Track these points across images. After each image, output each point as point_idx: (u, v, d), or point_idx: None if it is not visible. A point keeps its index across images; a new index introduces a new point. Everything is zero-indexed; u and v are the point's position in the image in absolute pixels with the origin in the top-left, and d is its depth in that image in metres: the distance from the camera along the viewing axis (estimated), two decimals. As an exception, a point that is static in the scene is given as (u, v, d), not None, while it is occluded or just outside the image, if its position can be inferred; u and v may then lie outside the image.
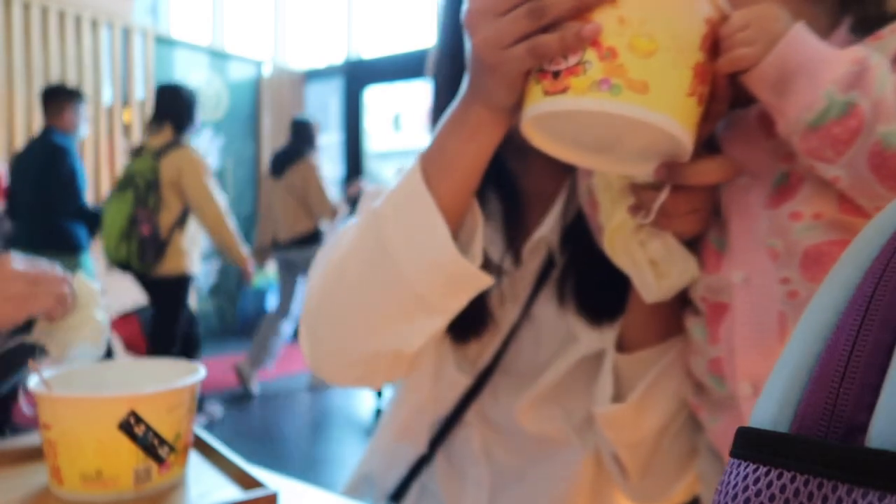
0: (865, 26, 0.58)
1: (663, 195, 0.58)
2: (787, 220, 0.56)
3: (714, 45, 0.52)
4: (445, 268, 0.63)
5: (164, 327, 3.42)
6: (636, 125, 0.51)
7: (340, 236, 0.73)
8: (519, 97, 0.57)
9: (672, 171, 0.57)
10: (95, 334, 0.83)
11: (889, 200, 0.49)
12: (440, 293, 0.64)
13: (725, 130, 0.61)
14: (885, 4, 0.61)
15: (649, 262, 0.63)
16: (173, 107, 3.35)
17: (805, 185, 0.55)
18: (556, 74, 0.52)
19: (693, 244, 0.64)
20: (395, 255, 0.64)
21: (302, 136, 4.19)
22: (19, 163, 3.48)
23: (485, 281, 0.65)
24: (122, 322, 4.11)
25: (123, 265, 3.30)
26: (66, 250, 3.37)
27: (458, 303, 0.67)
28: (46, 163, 3.35)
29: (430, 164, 0.64)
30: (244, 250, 3.52)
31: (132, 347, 3.92)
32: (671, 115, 0.50)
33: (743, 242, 0.60)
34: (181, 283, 3.37)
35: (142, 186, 3.21)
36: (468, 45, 0.58)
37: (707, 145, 0.60)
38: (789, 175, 0.57)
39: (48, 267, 0.83)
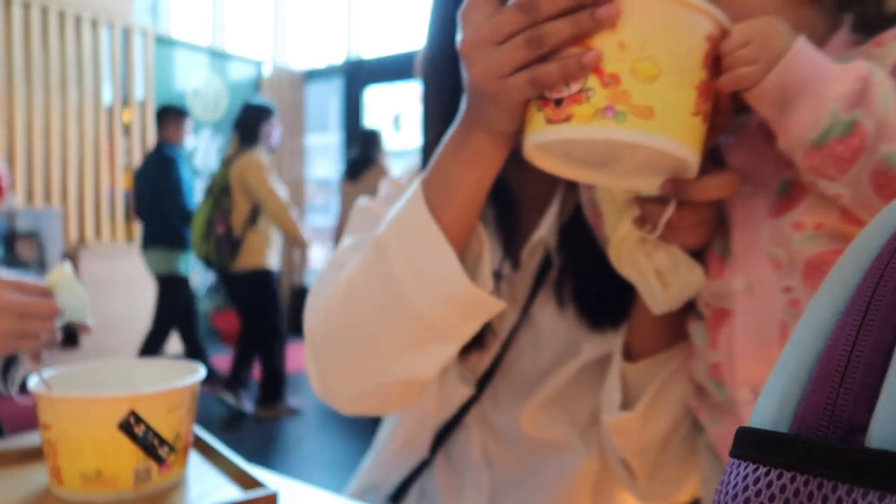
0: (866, 26, 0.58)
1: (669, 210, 0.57)
2: (790, 230, 0.55)
3: (716, 61, 0.51)
4: (457, 298, 0.62)
5: (250, 321, 3.87)
6: (641, 148, 0.50)
7: (340, 259, 0.72)
8: (520, 123, 0.56)
9: (678, 187, 0.56)
10: (82, 313, 0.83)
11: None
12: (453, 322, 0.63)
13: (729, 138, 0.61)
14: (884, 4, 0.61)
15: (655, 272, 0.62)
16: (243, 120, 3.79)
17: (807, 195, 0.55)
18: (559, 102, 0.51)
19: (699, 254, 0.63)
20: (404, 287, 0.62)
21: (371, 144, 4.48)
22: (139, 172, 4.19)
23: (497, 306, 0.64)
24: (222, 316, 4.31)
25: (206, 262, 3.78)
26: (175, 247, 4.01)
27: (470, 329, 0.66)
28: (158, 171, 4.01)
29: (433, 192, 0.63)
30: (306, 236, 3.89)
31: (229, 340, 4.18)
32: (677, 138, 0.50)
33: (746, 250, 0.59)
34: (259, 277, 3.75)
35: (217, 192, 3.69)
36: (465, 74, 0.57)
37: (710, 153, 0.59)
38: (792, 184, 0.56)
39: (36, 289, 0.79)
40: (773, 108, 0.51)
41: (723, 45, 0.51)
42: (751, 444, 0.27)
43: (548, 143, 0.53)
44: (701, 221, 0.59)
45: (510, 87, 0.53)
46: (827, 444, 0.25)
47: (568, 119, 0.50)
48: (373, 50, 6.48)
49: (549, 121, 0.52)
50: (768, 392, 0.28)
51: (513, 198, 0.78)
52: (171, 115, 4.14)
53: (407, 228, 0.63)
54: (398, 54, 6.15)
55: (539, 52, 0.51)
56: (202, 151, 6.08)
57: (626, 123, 0.49)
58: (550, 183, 0.76)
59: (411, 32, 6.72)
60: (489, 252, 0.65)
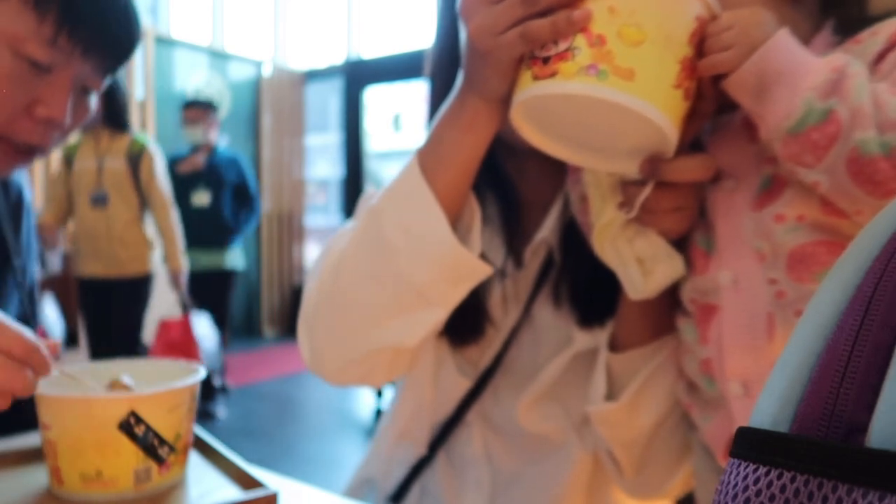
0: (848, 27, 0.59)
1: (647, 190, 0.59)
2: (772, 223, 0.57)
3: (703, 43, 0.53)
4: (444, 258, 0.63)
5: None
6: (621, 113, 0.51)
7: (337, 239, 0.73)
8: (512, 87, 0.58)
9: (655, 166, 0.58)
10: None
11: (867, 205, 0.51)
12: (439, 284, 0.64)
13: (712, 135, 0.63)
14: (865, 6, 0.62)
15: (636, 260, 0.64)
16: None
17: (788, 187, 0.56)
18: (546, 60, 0.53)
19: (679, 244, 0.64)
20: (393, 247, 0.64)
21: None
22: None
23: (484, 270, 0.65)
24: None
25: None
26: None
27: (457, 294, 0.66)
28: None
29: (428, 157, 0.64)
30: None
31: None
32: (655, 104, 0.51)
33: (730, 244, 0.60)
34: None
35: None
36: (463, 33, 0.58)
37: (695, 149, 0.61)
38: (773, 178, 0.58)
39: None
40: (751, 97, 0.52)
41: (708, 28, 0.53)
42: (751, 444, 0.27)
43: (532, 100, 0.55)
44: (679, 207, 0.61)
45: (503, 44, 0.55)
46: (827, 444, 0.25)
47: (553, 75, 0.52)
48: (373, 50, 6.48)
49: (536, 77, 0.53)
50: (768, 392, 0.28)
51: (516, 197, 0.79)
52: (203, 109, 4.11)
53: (400, 192, 0.65)
54: (398, 54, 6.15)
55: (533, 10, 0.53)
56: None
57: (606, 81, 0.50)
58: (553, 182, 0.76)
59: (411, 32, 6.72)
60: (479, 221, 0.66)
